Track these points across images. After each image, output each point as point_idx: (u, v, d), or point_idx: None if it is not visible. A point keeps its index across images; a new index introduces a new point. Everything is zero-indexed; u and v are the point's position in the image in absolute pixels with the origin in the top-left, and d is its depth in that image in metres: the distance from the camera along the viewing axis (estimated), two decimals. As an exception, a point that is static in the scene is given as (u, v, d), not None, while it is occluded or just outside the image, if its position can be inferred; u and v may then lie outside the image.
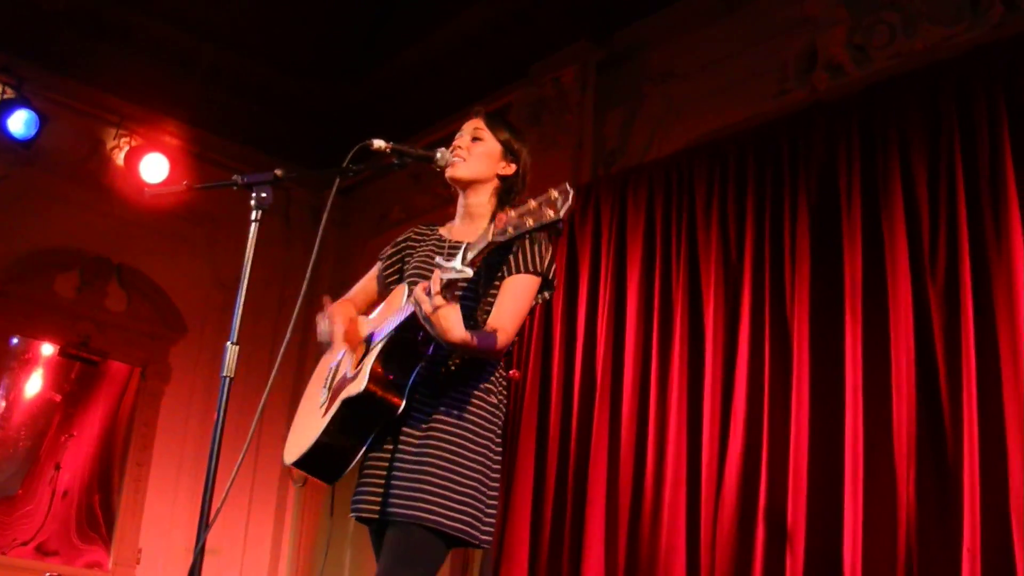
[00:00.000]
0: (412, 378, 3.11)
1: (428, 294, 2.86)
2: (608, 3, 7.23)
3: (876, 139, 5.11)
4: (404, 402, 3.07)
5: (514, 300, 3.17)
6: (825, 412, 4.90)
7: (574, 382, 6.14)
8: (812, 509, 4.80)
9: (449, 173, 3.36)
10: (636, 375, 5.82)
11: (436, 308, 2.85)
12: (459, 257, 2.84)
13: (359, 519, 3.20)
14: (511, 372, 3.30)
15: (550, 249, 3.27)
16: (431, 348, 3.12)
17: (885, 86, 5.24)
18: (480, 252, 2.83)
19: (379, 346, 3.11)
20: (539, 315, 6.38)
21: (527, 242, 3.21)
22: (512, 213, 2.72)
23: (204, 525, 2.86)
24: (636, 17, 7.00)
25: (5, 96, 7.85)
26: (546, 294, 3.32)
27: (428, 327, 2.91)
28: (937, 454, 4.48)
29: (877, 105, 5.18)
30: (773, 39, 6.13)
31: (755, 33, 6.25)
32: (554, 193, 2.62)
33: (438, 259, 2.90)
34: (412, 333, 3.08)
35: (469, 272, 2.82)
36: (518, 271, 3.20)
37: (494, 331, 3.09)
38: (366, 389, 3.03)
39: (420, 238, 3.50)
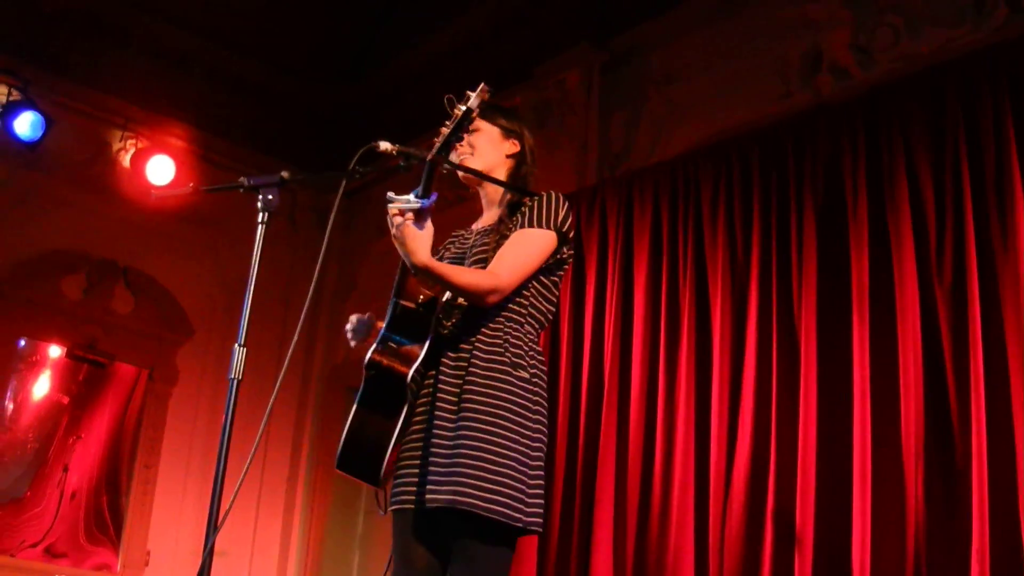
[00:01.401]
0: (426, 345, 3.09)
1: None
2: (612, 5, 7.23)
3: (881, 141, 5.11)
4: (411, 369, 3.04)
5: (515, 250, 3.18)
6: (833, 413, 4.90)
7: (582, 384, 6.14)
8: (820, 510, 4.80)
9: (462, 176, 3.40)
10: (643, 377, 5.82)
11: (406, 224, 2.90)
12: (413, 192, 2.93)
13: (398, 511, 3.19)
14: None
15: (565, 205, 3.28)
16: (435, 310, 3.12)
17: (889, 89, 5.25)
18: (426, 177, 2.94)
19: (386, 321, 3.13)
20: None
21: (536, 201, 3.25)
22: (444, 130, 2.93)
23: (212, 527, 2.87)
24: (640, 19, 7.00)
25: (11, 99, 7.86)
26: (564, 250, 3.30)
27: (399, 248, 2.94)
28: (945, 455, 4.48)
29: (881, 108, 5.18)
30: (776, 41, 6.13)
31: (758, 35, 6.25)
32: (469, 92, 2.88)
33: (389, 194, 2.96)
34: (407, 296, 3.11)
35: (424, 203, 2.90)
36: (524, 226, 3.21)
37: (484, 271, 3.11)
38: (370, 358, 3.04)
39: (455, 238, 3.53)
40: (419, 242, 2.91)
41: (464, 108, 2.88)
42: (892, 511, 4.55)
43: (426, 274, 2.98)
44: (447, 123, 2.94)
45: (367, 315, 3.41)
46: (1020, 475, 4.17)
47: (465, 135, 3.36)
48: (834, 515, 4.74)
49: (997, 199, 4.58)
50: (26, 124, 7.85)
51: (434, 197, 2.95)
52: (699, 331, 5.66)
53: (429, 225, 2.95)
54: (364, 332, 3.37)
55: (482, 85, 2.87)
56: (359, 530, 8.10)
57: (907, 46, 5.50)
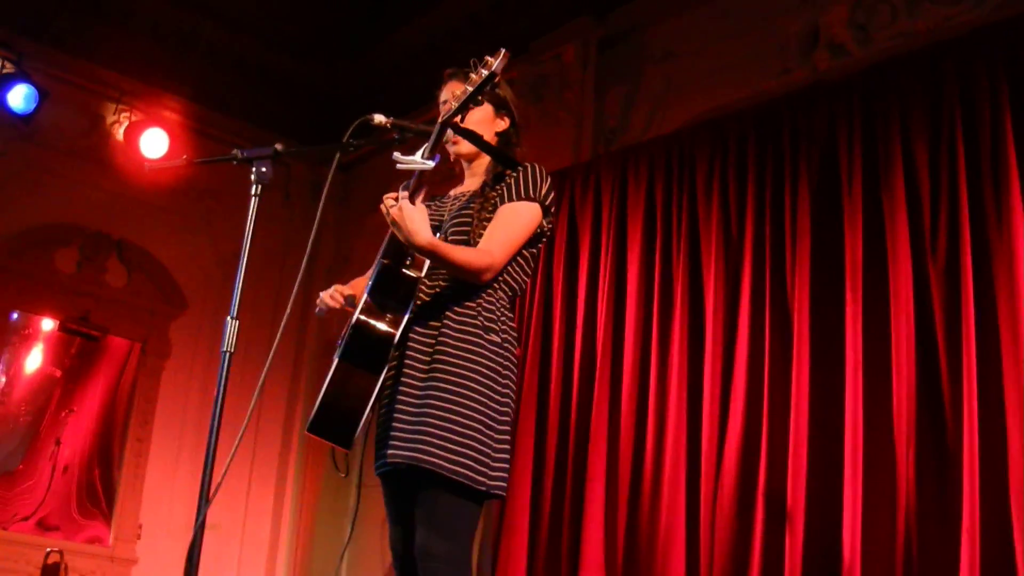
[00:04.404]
0: (408, 308, 3.10)
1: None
2: (609, -20, 7.21)
3: (877, 119, 5.10)
4: (399, 331, 3.07)
5: (504, 226, 3.19)
6: (825, 392, 4.91)
7: (574, 361, 6.14)
8: (812, 490, 4.80)
9: (455, 150, 3.41)
10: (636, 354, 5.82)
11: (400, 207, 2.91)
12: (419, 152, 2.91)
13: (381, 476, 3.22)
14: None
15: (548, 179, 3.31)
16: (421, 271, 3.14)
17: (886, 66, 5.23)
18: (435, 139, 2.97)
19: (370, 281, 3.15)
20: (539, 293, 6.38)
21: (521, 173, 3.27)
22: (458, 93, 2.94)
23: (204, 500, 2.87)
24: (637, -6, 6.99)
25: (5, 71, 7.82)
26: (545, 223, 3.33)
27: (396, 232, 2.96)
28: (937, 435, 4.48)
29: (878, 85, 5.17)
30: (775, 18, 6.11)
31: (757, 12, 6.23)
32: (489, 58, 2.86)
33: (396, 154, 2.95)
34: (395, 258, 3.11)
35: (429, 164, 2.90)
36: (510, 199, 3.23)
37: (478, 249, 3.12)
38: (357, 320, 3.05)
39: (429, 204, 3.53)
40: (418, 223, 2.92)
41: (487, 72, 2.86)
42: (883, 491, 4.55)
43: (429, 254, 3.00)
44: (469, 80, 2.93)
45: (347, 295, 3.40)
46: (1011, 456, 4.18)
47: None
48: (825, 494, 4.75)
49: (992, 178, 4.57)
50: (20, 97, 7.82)
51: (438, 158, 2.96)
52: (692, 308, 5.66)
53: (420, 204, 2.98)
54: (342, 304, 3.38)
55: (502, 51, 2.87)
56: (351, 502, 8.10)
57: (905, 24, 5.48)
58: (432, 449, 2.97)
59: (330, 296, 3.38)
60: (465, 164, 3.51)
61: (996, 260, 4.46)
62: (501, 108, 3.46)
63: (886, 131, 5.03)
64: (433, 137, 2.96)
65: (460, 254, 3.06)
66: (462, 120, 3.07)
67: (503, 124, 3.47)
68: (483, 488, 3.04)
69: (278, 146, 3.20)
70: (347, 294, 3.36)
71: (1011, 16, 4.87)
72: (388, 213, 2.95)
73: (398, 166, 2.91)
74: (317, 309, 3.45)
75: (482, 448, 3.04)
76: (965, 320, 4.44)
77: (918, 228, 4.78)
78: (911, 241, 4.77)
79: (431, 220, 3.21)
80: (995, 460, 4.23)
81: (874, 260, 4.89)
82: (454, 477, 2.97)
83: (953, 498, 4.31)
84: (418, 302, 3.17)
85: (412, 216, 2.91)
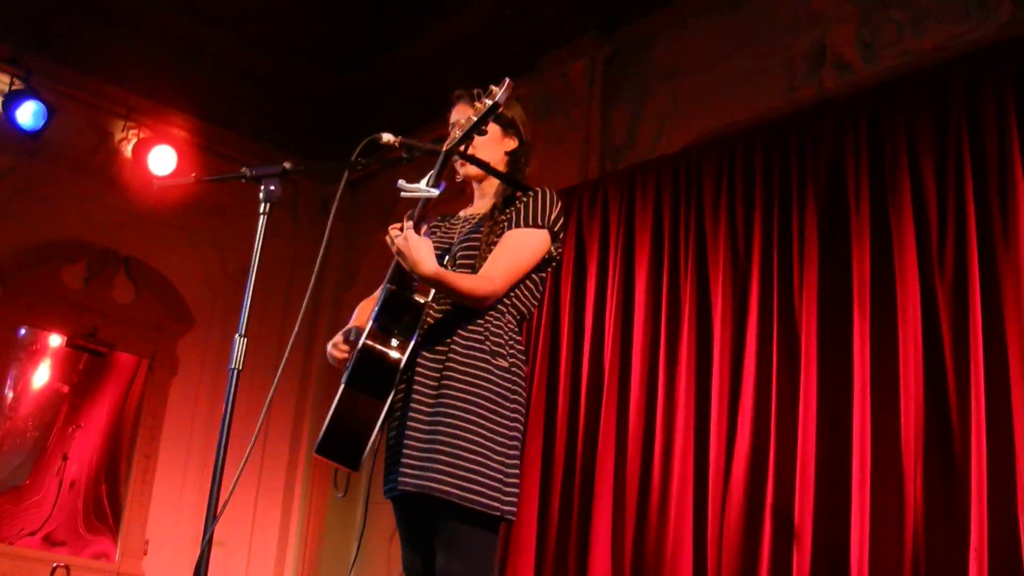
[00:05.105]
0: (415, 333, 3.11)
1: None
2: (616, -3, 7.23)
3: (884, 137, 5.10)
4: (405, 356, 3.07)
5: (508, 252, 3.20)
6: (833, 408, 4.90)
7: (582, 377, 6.14)
8: (819, 505, 4.79)
9: (463, 172, 3.42)
10: (644, 371, 5.82)
11: (405, 237, 2.91)
12: (424, 180, 2.92)
13: (393, 499, 3.22)
14: None
15: (558, 204, 3.30)
16: (427, 296, 3.14)
17: (893, 84, 5.24)
18: (440, 166, 2.97)
19: (376, 307, 3.15)
20: (546, 311, 6.39)
21: (531, 198, 3.27)
22: (463, 121, 2.96)
23: (211, 516, 2.87)
24: (644, 11, 6.98)
25: (13, 88, 7.87)
26: (554, 248, 3.33)
27: (402, 261, 2.96)
28: (945, 451, 4.47)
29: (885, 103, 5.17)
30: (781, 35, 6.12)
31: (763, 29, 6.23)
32: (494, 87, 2.87)
33: (400, 181, 2.96)
34: (401, 285, 3.12)
35: (434, 192, 2.91)
36: (518, 225, 3.23)
37: (480, 276, 3.13)
38: (363, 345, 3.06)
39: (437, 226, 3.55)
40: (423, 253, 2.94)
41: (491, 103, 2.88)
42: (891, 506, 4.54)
43: (434, 283, 3.02)
44: (475, 109, 2.95)
45: (351, 339, 3.37)
46: (1019, 471, 4.17)
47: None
48: (833, 510, 4.74)
49: (999, 195, 4.57)
50: (28, 113, 7.86)
51: (443, 186, 2.97)
52: (700, 325, 5.66)
53: (424, 234, 2.99)
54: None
55: (507, 80, 2.88)
56: (358, 519, 8.09)
57: (911, 42, 5.48)
58: (443, 477, 2.97)
59: (335, 348, 3.36)
60: (475, 185, 3.51)
61: (1004, 276, 4.46)
62: (508, 128, 3.46)
63: (893, 148, 5.04)
64: (437, 166, 2.97)
65: (463, 282, 3.08)
66: (466, 149, 3.08)
67: (511, 143, 3.47)
68: (497, 513, 3.05)
69: (286, 164, 3.20)
70: (351, 338, 3.33)
71: (1017, 34, 4.88)
72: (393, 243, 2.96)
73: (402, 194, 2.92)
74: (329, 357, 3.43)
75: (493, 474, 3.04)
76: (973, 336, 4.44)
77: (925, 244, 4.78)
78: (919, 257, 4.77)
79: (440, 243, 3.24)
80: (1003, 476, 4.22)
81: (882, 276, 4.89)
82: (465, 504, 2.98)
83: (961, 514, 4.29)
84: (425, 326, 3.17)
85: (417, 247, 2.93)
